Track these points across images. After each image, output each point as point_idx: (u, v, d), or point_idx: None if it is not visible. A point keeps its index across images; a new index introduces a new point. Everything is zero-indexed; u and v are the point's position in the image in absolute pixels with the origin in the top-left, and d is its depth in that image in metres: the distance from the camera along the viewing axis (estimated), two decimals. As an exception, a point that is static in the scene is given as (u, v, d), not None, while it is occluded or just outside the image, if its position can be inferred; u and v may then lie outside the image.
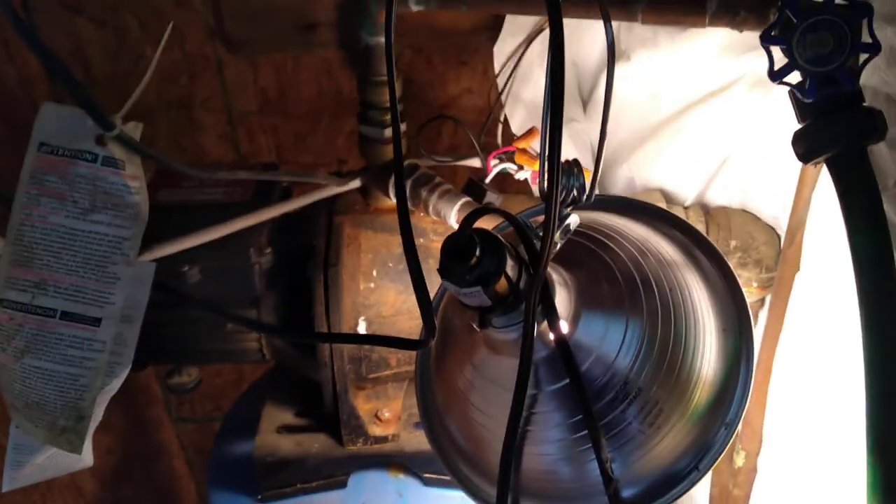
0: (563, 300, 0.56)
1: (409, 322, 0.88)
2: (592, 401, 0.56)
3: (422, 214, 0.86)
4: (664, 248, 0.66)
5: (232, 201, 0.87)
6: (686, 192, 0.94)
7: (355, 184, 0.88)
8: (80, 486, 1.32)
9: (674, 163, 0.92)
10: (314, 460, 0.95)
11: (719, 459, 0.58)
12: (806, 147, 0.54)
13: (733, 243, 0.91)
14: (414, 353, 0.70)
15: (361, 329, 0.87)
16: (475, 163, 0.90)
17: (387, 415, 0.95)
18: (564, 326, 0.55)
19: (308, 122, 1.36)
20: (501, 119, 1.02)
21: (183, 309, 0.87)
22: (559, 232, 0.53)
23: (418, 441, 0.95)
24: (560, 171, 0.49)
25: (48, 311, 0.53)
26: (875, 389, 0.51)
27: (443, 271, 0.49)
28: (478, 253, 0.47)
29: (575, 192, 0.53)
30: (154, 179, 0.89)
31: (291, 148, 1.39)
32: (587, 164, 0.70)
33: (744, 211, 0.93)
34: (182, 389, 1.00)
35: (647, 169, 0.96)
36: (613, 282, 0.61)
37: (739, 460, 1.02)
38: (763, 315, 0.92)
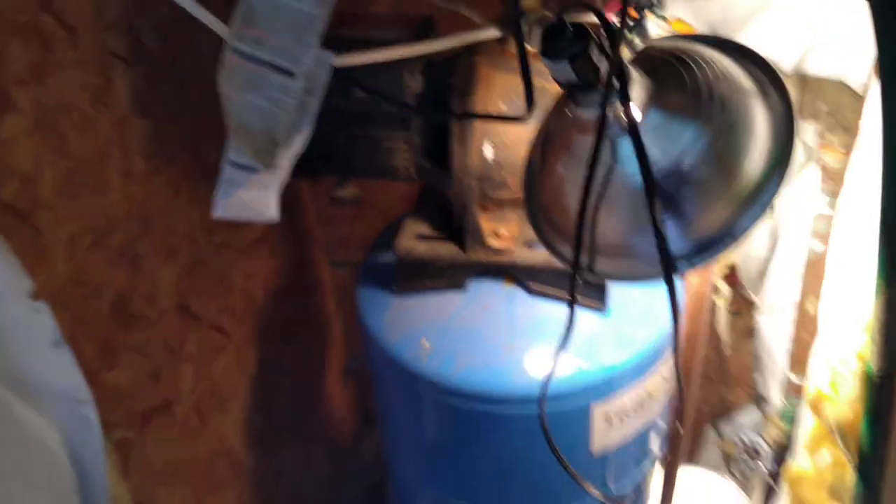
0: (639, 93, 0.72)
1: (524, 150, 1.06)
2: (656, 179, 0.73)
3: (545, 59, 1.02)
4: (742, 78, 0.79)
5: (395, 38, 1.07)
6: (783, 58, 1.05)
7: (495, 32, 1.06)
8: (253, 293, 1.61)
9: (768, 28, 1.03)
10: (442, 263, 1.16)
11: (748, 233, 0.73)
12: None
13: (824, 107, 1.02)
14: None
15: (487, 151, 1.06)
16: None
17: (503, 232, 1.14)
18: (637, 112, 0.71)
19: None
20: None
21: (347, 126, 1.10)
22: (635, 31, 0.69)
23: (528, 257, 1.14)
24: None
25: (262, 60, 0.75)
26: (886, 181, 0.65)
27: (542, 50, 0.66)
28: (568, 35, 0.65)
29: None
30: (334, 20, 1.11)
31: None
32: None
33: (839, 81, 1.04)
34: (343, 202, 1.23)
35: (741, 35, 1.07)
36: (690, 92, 0.75)
37: (811, 307, 1.15)
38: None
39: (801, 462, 0.93)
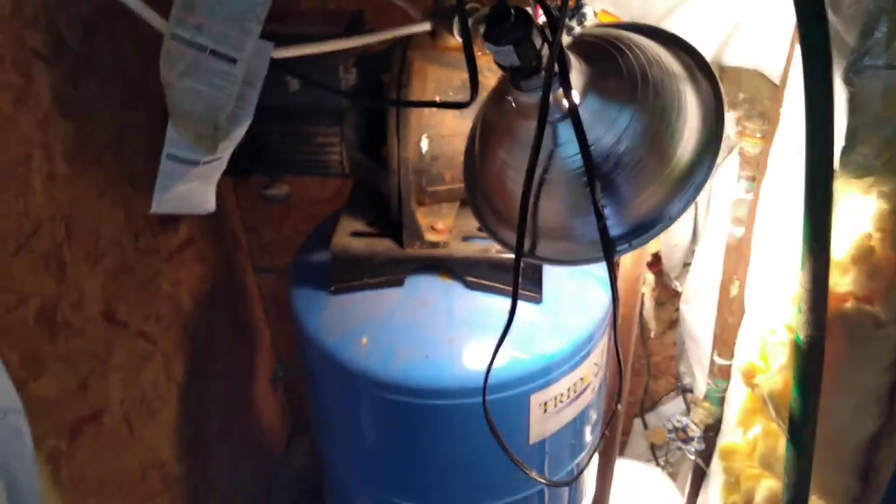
0: (577, 78, 0.74)
1: (460, 143, 1.07)
2: (594, 161, 0.75)
3: (480, 53, 1.04)
4: (672, 63, 0.83)
5: (327, 33, 1.07)
6: (702, 49, 1.10)
7: (426, 26, 1.07)
8: (179, 300, 1.57)
9: (688, 21, 1.08)
10: (379, 259, 1.16)
11: (683, 214, 0.76)
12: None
13: (741, 95, 1.08)
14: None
15: (424, 145, 1.07)
16: None
17: (440, 226, 1.15)
18: (576, 96, 0.73)
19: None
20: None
21: (281, 122, 1.09)
22: (575, 19, 0.72)
23: (465, 250, 1.16)
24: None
25: (202, 47, 0.74)
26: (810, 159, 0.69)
27: (486, 34, 0.68)
28: (511, 20, 0.66)
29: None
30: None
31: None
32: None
33: (755, 70, 1.09)
34: (275, 199, 1.22)
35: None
36: (625, 78, 0.78)
37: (734, 290, 1.20)
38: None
39: (733, 438, 0.97)
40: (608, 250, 0.76)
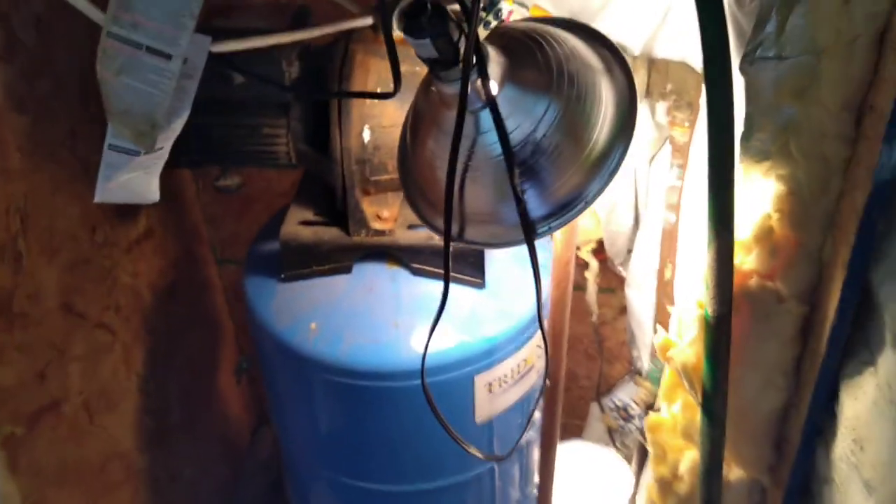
0: (496, 69, 0.79)
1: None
2: (514, 148, 0.80)
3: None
4: (590, 56, 0.87)
5: (271, 27, 1.10)
6: (633, 43, 1.15)
7: (368, 20, 1.11)
8: (139, 291, 1.60)
9: (621, 16, 1.13)
10: (326, 247, 1.20)
11: (598, 197, 0.81)
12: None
13: (669, 87, 1.13)
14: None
15: (366, 135, 1.11)
16: None
17: (385, 214, 1.19)
18: (494, 86, 0.78)
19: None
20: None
21: (228, 115, 1.12)
22: (491, 13, 0.76)
23: (409, 238, 1.20)
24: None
25: (137, 44, 0.77)
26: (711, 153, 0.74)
27: (404, 28, 0.72)
28: (428, 14, 0.70)
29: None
30: (209, 11, 1.13)
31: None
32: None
33: (682, 63, 1.14)
34: (228, 190, 1.26)
35: (597, 23, 1.16)
36: (542, 69, 0.83)
37: (668, 272, 1.25)
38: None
39: (661, 413, 1.02)
40: (528, 232, 0.80)
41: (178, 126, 0.88)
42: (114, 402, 1.51)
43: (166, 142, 0.89)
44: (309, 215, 1.24)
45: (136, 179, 0.90)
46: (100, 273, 1.44)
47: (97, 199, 0.92)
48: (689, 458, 0.96)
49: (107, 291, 1.47)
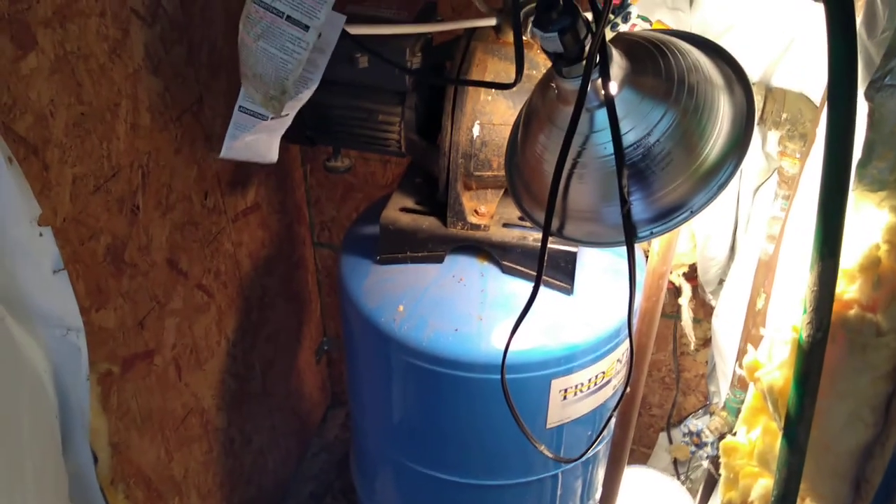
0: (617, 71, 0.80)
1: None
2: (625, 149, 0.81)
3: (537, 50, 1.11)
4: (712, 71, 0.88)
5: (400, 18, 1.15)
6: (752, 69, 1.15)
7: (492, 21, 1.14)
8: (239, 260, 1.67)
9: (743, 40, 1.13)
10: (423, 235, 1.23)
11: (704, 209, 0.82)
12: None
13: (784, 115, 1.12)
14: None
15: (475, 131, 1.14)
16: None
17: (483, 210, 1.22)
18: (614, 86, 0.79)
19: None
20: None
21: (348, 97, 1.17)
22: (620, 16, 0.78)
23: (504, 235, 1.22)
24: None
25: (279, 12, 0.82)
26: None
27: (534, 21, 0.74)
28: (559, 9, 0.73)
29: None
30: (344, -2, 1.19)
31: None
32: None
33: (800, 94, 1.13)
34: (336, 171, 1.31)
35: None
36: (663, 78, 0.84)
37: (760, 302, 1.23)
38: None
39: (738, 437, 1.01)
40: (629, 234, 0.82)
41: (304, 96, 0.94)
42: (202, 359, 1.59)
43: (292, 109, 0.94)
44: (410, 203, 1.27)
45: (260, 141, 0.96)
46: (206, 236, 1.52)
47: (222, 155, 0.98)
48: (761, 485, 0.95)
49: (210, 255, 1.55)
